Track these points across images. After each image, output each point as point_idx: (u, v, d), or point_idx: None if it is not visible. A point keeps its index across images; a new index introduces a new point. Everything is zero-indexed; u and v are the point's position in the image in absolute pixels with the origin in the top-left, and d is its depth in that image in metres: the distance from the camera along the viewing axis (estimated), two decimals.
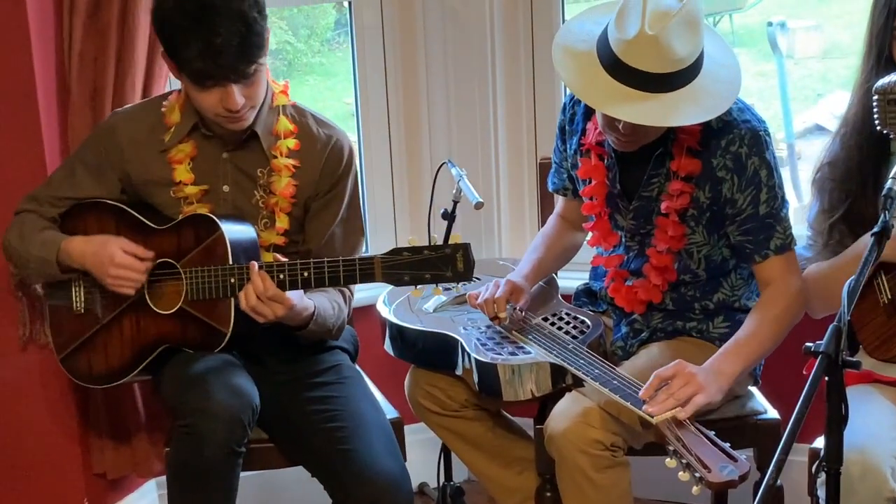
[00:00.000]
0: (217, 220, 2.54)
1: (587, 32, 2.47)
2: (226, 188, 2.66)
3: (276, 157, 2.63)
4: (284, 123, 2.64)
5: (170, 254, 2.59)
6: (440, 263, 2.38)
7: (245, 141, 2.63)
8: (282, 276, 2.45)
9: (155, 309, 2.60)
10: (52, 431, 3.07)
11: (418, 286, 2.43)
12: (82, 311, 2.68)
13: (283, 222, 2.65)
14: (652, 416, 2.20)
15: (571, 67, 2.44)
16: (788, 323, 2.51)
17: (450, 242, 2.41)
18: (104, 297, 2.65)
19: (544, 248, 2.82)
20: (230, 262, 2.50)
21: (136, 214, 2.65)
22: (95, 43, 2.84)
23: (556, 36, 2.54)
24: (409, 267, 2.38)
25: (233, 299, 2.50)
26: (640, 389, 2.28)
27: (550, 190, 2.90)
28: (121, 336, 2.64)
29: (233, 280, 2.48)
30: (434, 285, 2.44)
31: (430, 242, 2.41)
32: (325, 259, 2.45)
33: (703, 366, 2.38)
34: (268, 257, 2.61)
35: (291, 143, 2.64)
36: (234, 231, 2.55)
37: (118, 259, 2.54)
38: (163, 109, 2.66)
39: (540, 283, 2.82)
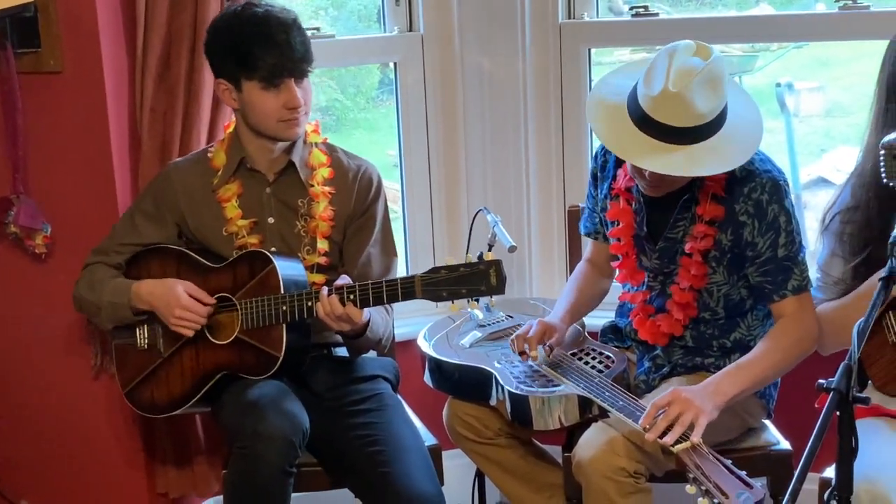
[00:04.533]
0: (270, 255, 2.55)
1: (621, 86, 2.46)
2: (271, 220, 2.67)
3: (313, 185, 2.65)
4: (318, 156, 2.69)
5: (226, 289, 2.60)
6: (475, 279, 2.36)
7: (283, 173, 2.66)
8: None
9: (213, 340, 2.60)
10: (118, 453, 3.07)
11: (455, 301, 2.40)
12: (145, 347, 2.68)
13: (323, 244, 2.66)
14: (672, 446, 2.17)
15: (603, 119, 2.44)
16: (795, 356, 2.46)
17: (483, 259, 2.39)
18: (166, 332, 2.65)
19: (577, 292, 2.79)
20: (282, 293, 2.50)
21: (195, 256, 2.67)
22: (165, 99, 2.86)
23: (593, 87, 2.54)
24: (446, 283, 2.37)
25: (283, 326, 2.50)
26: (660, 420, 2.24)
27: (582, 233, 2.86)
28: (181, 367, 2.63)
29: (285, 308, 2.49)
30: (469, 300, 2.42)
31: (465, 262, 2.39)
32: (370, 281, 2.46)
33: (699, 385, 2.36)
34: (314, 278, 2.63)
35: (326, 171, 2.68)
36: (285, 266, 2.56)
37: (183, 301, 2.57)
38: (209, 155, 2.71)
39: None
